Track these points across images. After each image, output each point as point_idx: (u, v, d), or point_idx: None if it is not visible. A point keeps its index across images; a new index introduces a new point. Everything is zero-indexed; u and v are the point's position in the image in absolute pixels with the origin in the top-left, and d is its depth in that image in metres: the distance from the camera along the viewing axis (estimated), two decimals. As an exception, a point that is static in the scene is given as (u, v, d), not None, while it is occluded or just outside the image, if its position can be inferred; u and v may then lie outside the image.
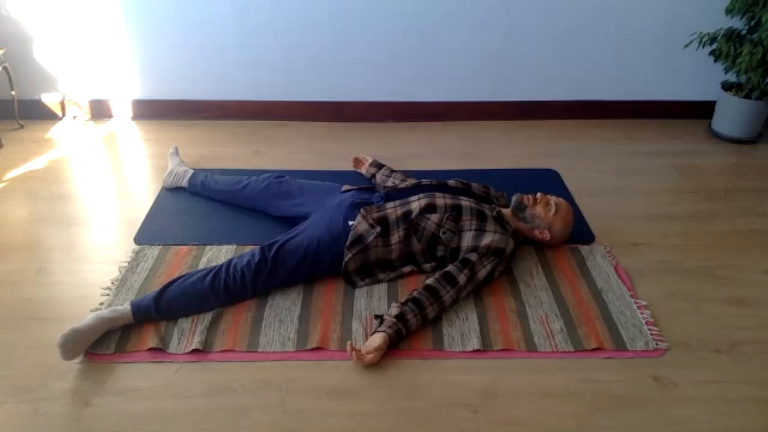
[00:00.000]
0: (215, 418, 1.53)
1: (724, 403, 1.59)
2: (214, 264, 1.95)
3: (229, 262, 1.90)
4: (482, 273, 1.91)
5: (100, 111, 3.18)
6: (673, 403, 1.59)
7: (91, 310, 1.82)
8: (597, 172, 2.74)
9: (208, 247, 2.15)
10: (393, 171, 2.50)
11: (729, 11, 2.86)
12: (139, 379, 1.63)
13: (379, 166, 2.54)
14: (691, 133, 3.11)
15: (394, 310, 1.76)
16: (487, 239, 1.95)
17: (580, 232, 2.25)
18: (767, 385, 1.65)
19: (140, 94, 3.14)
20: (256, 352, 1.72)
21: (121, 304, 1.82)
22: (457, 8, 2.92)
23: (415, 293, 1.81)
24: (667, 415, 1.55)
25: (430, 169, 2.68)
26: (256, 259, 1.89)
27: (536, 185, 2.24)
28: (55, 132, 3.05)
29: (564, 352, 1.73)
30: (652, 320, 1.84)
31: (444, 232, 1.96)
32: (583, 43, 3.03)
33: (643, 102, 3.21)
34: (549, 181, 2.63)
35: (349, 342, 1.67)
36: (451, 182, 2.20)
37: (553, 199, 2.11)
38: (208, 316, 1.82)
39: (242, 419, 1.52)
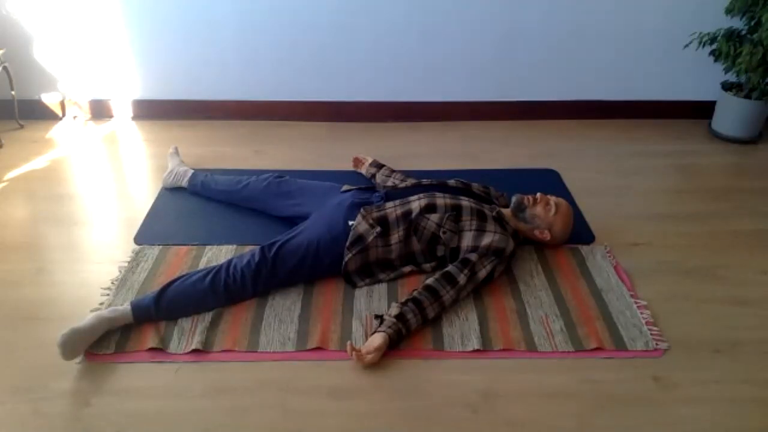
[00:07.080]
0: (215, 418, 1.53)
1: (724, 403, 1.59)
2: (214, 264, 1.95)
3: (229, 262, 1.90)
4: (482, 273, 1.91)
5: (100, 111, 3.17)
6: (673, 403, 1.59)
7: (91, 310, 1.82)
8: (597, 172, 2.74)
9: (208, 247, 2.15)
10: (393, 171, 2.49)
11: (729, 11, 2.86)
12: (139, 379, 1.63)
13: (379, 166, 2.54)
14: (691, 133, 3.11)
15: (394, 310, 1.76)
16: (487, 239, 1.94)
17: (580, 232, 2.25)
18: (767, 385, 1.65)
19: (140, 94, 3.14)
20: (256, 352, 1.72)
21: (121, 304, 1.82)
22: (457, 8, 2.92)
23: (415, 293, 1.81)
24: (666, 415, 1.55)
25: (430, 169, 2.67)
26: (256, 259, 1.89)
27: (536, 185, 2.23)
28: (55, 132, 3.05)
29: (564, 352, 1.73)
30: (652, 320, 1.84)
31: (444, 232, 1.96)
32: (583, 43, 3.03)
33: (644, 102, 3.21)
34: (549, 181, 2.63)
35: (349, 342, 1.67)
36: (451, 182, 2.20)
37: (553, 199, 2.11)
38: (208, 316, 1.82)
39: (242, 419, 1.52)
